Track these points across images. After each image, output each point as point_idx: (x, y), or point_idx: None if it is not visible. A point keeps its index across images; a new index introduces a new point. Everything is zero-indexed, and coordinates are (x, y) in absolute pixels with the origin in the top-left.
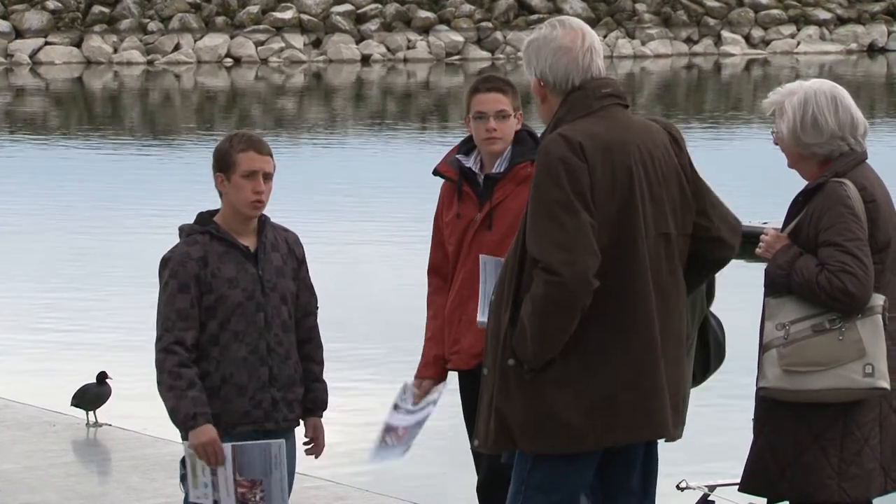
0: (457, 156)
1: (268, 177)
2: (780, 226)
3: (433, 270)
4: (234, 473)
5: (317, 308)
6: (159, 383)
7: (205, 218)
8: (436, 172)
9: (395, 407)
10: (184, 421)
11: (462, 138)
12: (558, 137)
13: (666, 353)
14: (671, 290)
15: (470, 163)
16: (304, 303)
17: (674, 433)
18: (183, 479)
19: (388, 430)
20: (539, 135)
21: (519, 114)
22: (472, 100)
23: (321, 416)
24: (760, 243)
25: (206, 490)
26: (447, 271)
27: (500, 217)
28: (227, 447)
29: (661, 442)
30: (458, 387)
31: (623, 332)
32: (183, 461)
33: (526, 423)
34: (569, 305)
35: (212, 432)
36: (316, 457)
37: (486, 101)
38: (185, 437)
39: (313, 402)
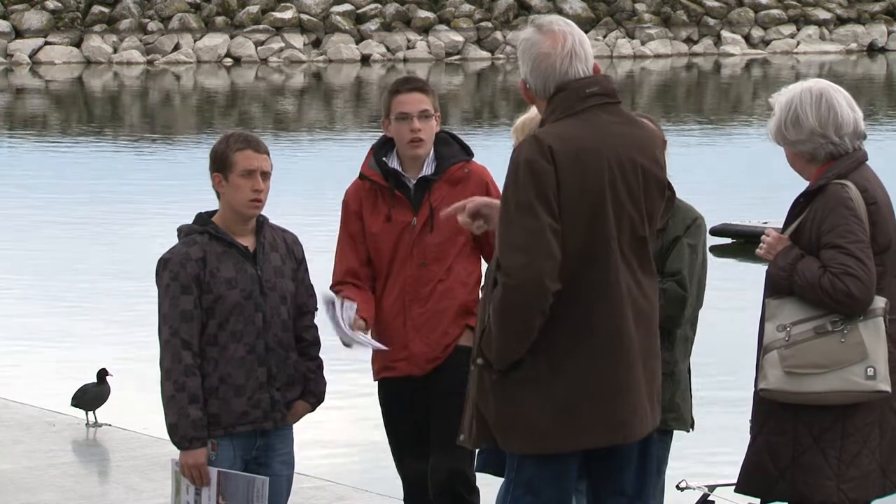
0: (382, 157)
1: (266, 175)
2: (780, 226)
3: (349, 275)
4: (218, 497)
5: (316, 308)
6: (163, 389)
7: (203, 218)
8: (363, 176)
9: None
10: (180, 441)
11: (376, 139)
12: (532, 139)
13: (643, 351)
14: (648, 290)
15: (395, 164)
16: (301, 303)
17: (648, 427)
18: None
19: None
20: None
21: (437, 115)
22: (392, 101)
23: (311, 405)
24: (761, 244)
25: None
26: (364, 275)
27: (441, 219)
28: (213, 472)
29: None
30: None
31: (589, 337)
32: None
33: (498, 422)
34: (523, 308)
35: (202, 457)
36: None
37: (408, 102)
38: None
39: (306, 389)
